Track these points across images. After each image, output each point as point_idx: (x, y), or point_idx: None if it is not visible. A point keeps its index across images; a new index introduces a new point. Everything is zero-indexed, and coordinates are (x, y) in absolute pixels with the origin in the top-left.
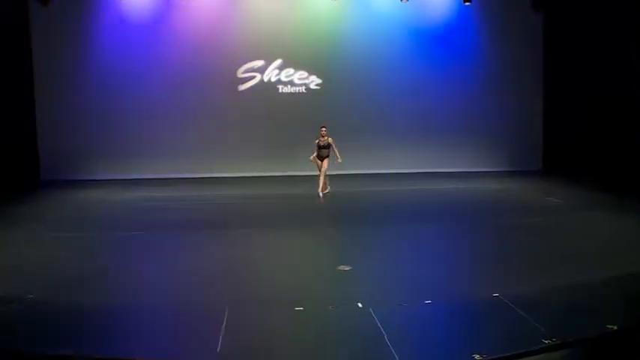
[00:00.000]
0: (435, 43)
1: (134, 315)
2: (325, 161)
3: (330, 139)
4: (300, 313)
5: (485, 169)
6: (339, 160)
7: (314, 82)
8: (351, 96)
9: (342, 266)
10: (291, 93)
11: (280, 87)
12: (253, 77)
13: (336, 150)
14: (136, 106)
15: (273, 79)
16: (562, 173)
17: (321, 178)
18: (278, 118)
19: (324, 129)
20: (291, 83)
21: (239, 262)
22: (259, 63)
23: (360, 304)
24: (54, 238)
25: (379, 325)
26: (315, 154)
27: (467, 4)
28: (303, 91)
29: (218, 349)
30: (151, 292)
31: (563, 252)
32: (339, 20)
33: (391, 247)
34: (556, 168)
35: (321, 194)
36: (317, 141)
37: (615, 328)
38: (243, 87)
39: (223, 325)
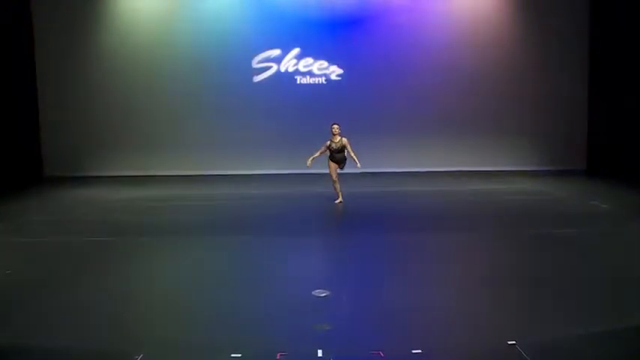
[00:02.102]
0: (471, 31)
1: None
2: (339, 165)
3: (344, 139)
4: None
5: (526, 168)
6: (358, 165)
7: (335, 72)
8: (376, 88)
9: (318, 290)
10: (310, 84)
11: (298, 78)
12: (269, 67)
13: (352, 153)
14: (144, 100)
15: (291, 70)
16: (608, 174)
17: (337, 184)
18: (296, 111)
19: (336, 126)
20: (310, 74)
21: (187, 282)
22: (275, 52)
23: (320, 352)
24: (6, 244)
25: None
26: (312, 158)
27: None
28: (323, 82)
29: None
30: (51, 327)
31: (610, 278)
32: (362, 4)
33: (391, 264)
34: (602, 168)
35: (341, 200)
36: (328, 143)
37: None
38: (258, 78)
39: None
